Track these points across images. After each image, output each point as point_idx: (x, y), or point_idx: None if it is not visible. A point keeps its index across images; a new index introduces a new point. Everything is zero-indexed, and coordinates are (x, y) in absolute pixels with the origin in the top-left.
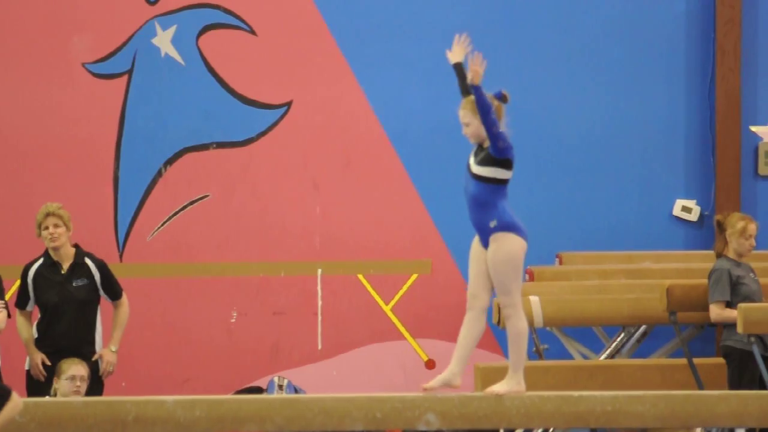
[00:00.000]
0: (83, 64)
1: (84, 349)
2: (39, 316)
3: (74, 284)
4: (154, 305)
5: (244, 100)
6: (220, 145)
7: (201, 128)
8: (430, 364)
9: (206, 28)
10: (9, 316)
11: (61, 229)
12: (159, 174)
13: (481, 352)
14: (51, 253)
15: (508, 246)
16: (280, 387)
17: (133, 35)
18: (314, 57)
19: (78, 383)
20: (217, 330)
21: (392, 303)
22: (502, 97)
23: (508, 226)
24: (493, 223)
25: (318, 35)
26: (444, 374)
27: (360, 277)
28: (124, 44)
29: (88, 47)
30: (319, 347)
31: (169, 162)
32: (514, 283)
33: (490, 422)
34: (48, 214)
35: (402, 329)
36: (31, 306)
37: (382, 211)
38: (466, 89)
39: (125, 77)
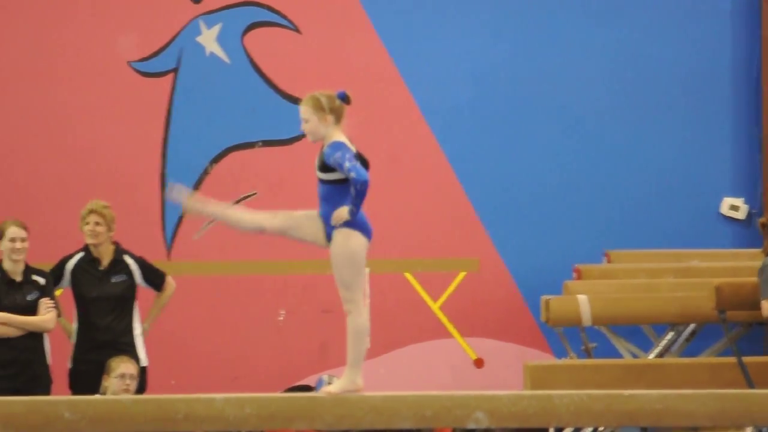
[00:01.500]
0: (129, 63)
1: (123, 343)
2: (76, 310)
3: (113, 280)
4: (202, 303)
5: (289, 97)
6: (266, 143)
7: (247, 126)
8: (479, 363)
9: (251, 26)
10: (59, 315)
11: (102, 228)
12: (206, 172)
13: (530, 350)
14: (91, 248)
15: (349, 242)
16: (329, 385)
17: (178, 34)
18: (358, 54)
19: (128, 381)
20: (266, 328)
21: (440, 301)
22: (345, 98)
23: (350, 224)
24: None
25: (362, 32)
26: (341, 380)
27: (408, 275)
28: (170, 43)
29: (134, 46)
30: (368, 345)
31: (216, 160)
32: (354, 279)
33: (539, 421)
34: (91, 211)
35: (450, 327)
36: (59, 290)
37: (428, 209)
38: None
39: (171, 75)
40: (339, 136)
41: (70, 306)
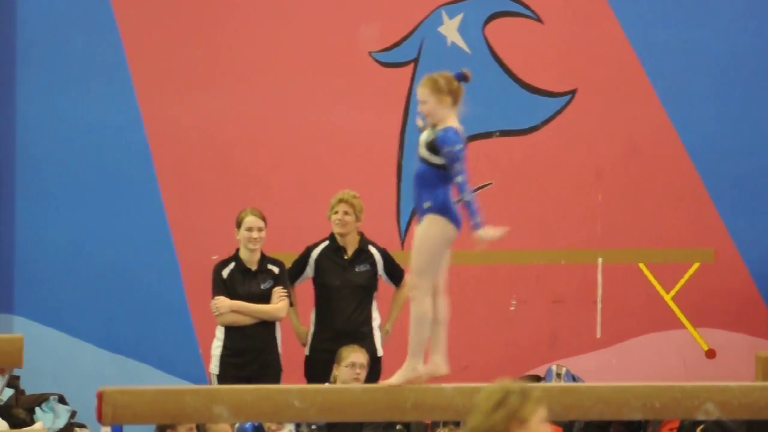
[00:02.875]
0: (370, 53)
1: (361, 332)
2: (316, 299)
3: (356, 269)
4: None
5: (528, 88)
6: (504, 133)
7: (485, 116)
8: (711, 354)
9: (492, 16)
10: (291, 304)
11: (350, 218)
12: None
13: (763, 341)
14: (337, 237)
15: (434, 227)
16: (558, 375)
17: (419, 24)
18: (600, 44)
19: (358, 370)
20: (497, 318)
21: (673, 292)
22: (463, 78)
23: (440, 209)
24: (427, 204)
25: (604, 22)
26: (428, 365)
27: (641, 265)
28: (411, 33)
29: (375, 36)
30: (598, 336)
31: None
32: (428, 266)
33: None
34: (341, 200)
35: (683, 318)
36: (299, 282)
37: (664, 199)
38: None
39: (411, 66)
40: (454, 119)
41: (305, 308)
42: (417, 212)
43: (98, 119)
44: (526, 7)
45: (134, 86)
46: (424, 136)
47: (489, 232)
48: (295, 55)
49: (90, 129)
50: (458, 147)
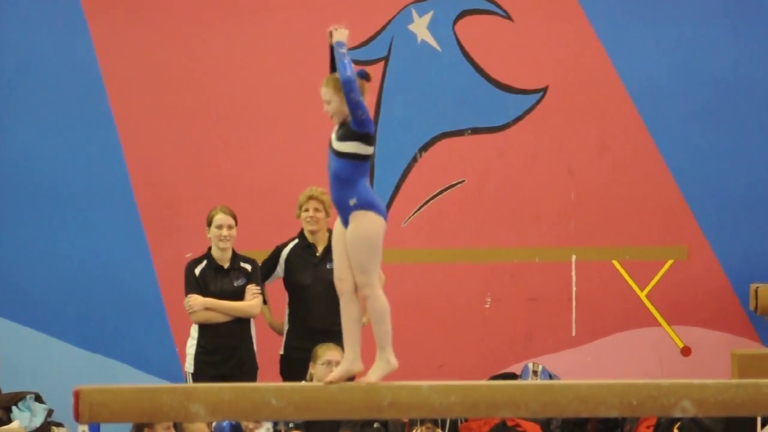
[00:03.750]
0: None
1: (336, 330)
2: (288, 297)
3: (328, 266)
4: (408, 291)
5: (499, 85)
6: (475, 130)
7: (456, 114)
8: (686, 351)
9: (462, 14)
10: (265, 302)
11: (321, 214)
12: (414, 160)
13: (738, 339)
14: (307, 235)
15: (367, 224)
16: (535, 373)
17: (389, 21)
18: (570, 41)
19: (333, 368)
20: (472, 316)
21: (647, 289)
22: (365, 75)
23: (367, 205)
24: (352, 201)
25: (573, 19)
26: (342, 364)
27: (615, 262)
28: (381, 31)
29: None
30: (573, 333)
31: (425, 148)
32: (372, 263)
33: (747, 410)
34: (310, 198)
35: (657, 315)
36: (270, 281)
37: (637, 196)
38: (334, 67)
39: (381, 63)
40: None
41: (277, 301)
42: (340, 211)
43: (71, 119)
44: (496, 5)
45: (105, 85)
46: (334, 134)
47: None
48: (265, 52)
49: (62, 129)
50: (367, 112)
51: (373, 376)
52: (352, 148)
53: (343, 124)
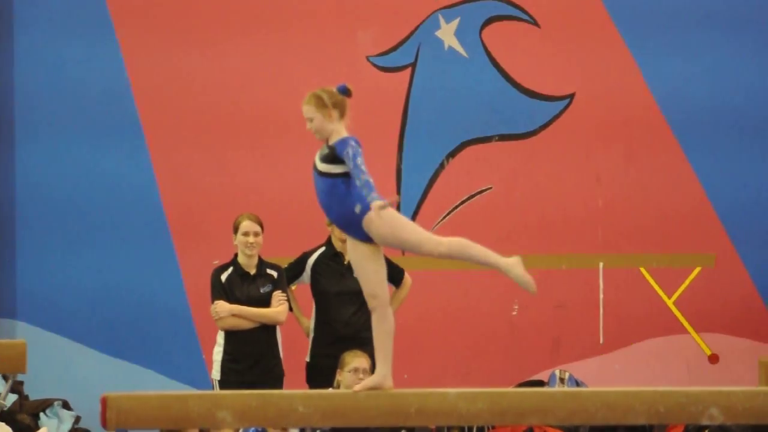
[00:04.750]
0: (368, 58)
1: (362, 337)
2: (314, 305)
3: (355, 275)
4: (435, 298)
5: (526, 92)
6: (503, 137)
7: (483, 120)
8: (714, 359)
9: (489, 20)
10: (291, 309)
11: None
12: (441, 166)
13: (765, 346)
14: (335, 243)
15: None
16: (562, 380)
17: (417, 28)
18: (597, 48)
19: (361, 375)
20: (499, 323)
21: (675, 296)
22: (345, 91)
23: (367, 190)
24: (357, 209)
25: (601, 26)
26: (374, 378)
27: (642, 270)
28: (408, 37)
29: (372, 40)
30: (601, 341)
31: (452, 154)
32: (417, 233)
33: None
34: None
35: (685, 323)
36: (295, 284)
37: (665, 203)
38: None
39: (409, 70)
40: (344, 131)
41: (307, 303)
42: (347, 228)
43: (99, 129)
44: (523, 11)
45: (134, 95)
46: (319, 154)
47: (381, 205)
48: (293, 60)
49: (91, 138)
50: (354, 146)
51: (362, 385)
52: (339, 169)
53: (328, 148)
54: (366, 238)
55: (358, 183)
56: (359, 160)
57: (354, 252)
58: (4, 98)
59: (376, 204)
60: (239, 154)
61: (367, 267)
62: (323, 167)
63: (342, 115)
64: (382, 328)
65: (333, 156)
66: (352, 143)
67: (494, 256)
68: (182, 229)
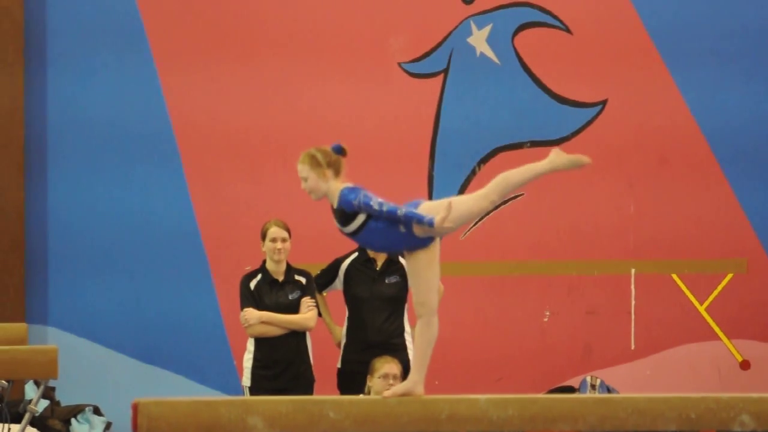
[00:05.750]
0: (400, 64)
1: (393, 344)
2: (347, 311)
3: (387, 281)
4: (467, 304)
5: (558, 98)
6: (534, 143)
7: (515, 127)
8: (745, 365)
9: (521, 27)
10: (320, 315)
11: None
12: (473, 173)
13: None
14: (367, 249)
15: (436, 247)
16: (593, 386)
17: (448, 35)
18: (630, 55)
19: (391, 381)
20: (530, 329)
21: (707, 303)
22: (340, 151)
23: (413, 218)
24: (402, 229)
25: (634, 33)
26: (406, 384)
27: (674, 276)
28: (440, 44)
29: (404, 47)
30: (632, 347)
31: (483, 161)
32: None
33: None
34: None
35: (717, 329)
36: (327, 290)
37: (696, 209)
38: None
39: (440, 77)
40: (340, 187)
41: (338, 310)
42: (397, 249)
43: (127, 122)
44: (555, 17)
45: (163, 92)
46: (336, 221)
47: (443, 218)
48: (326, 66)
49: (120, 133)
50: (361, 194)
51: (392, 392)
52: (359, 222)
53: (336, 212)
54: (420, 244)
55: (401, 222)
56: (373, 202)
57: (411, 262)
58: (38, 126)
59: (439, 221)
60: (270, 159)
61: (421, 275)
62: (349, 228)
63: (337, 173)
64: (426, 337)
65: (347, 215)
66: (350, 191)
67: (535, 168)
68: (213, 235)
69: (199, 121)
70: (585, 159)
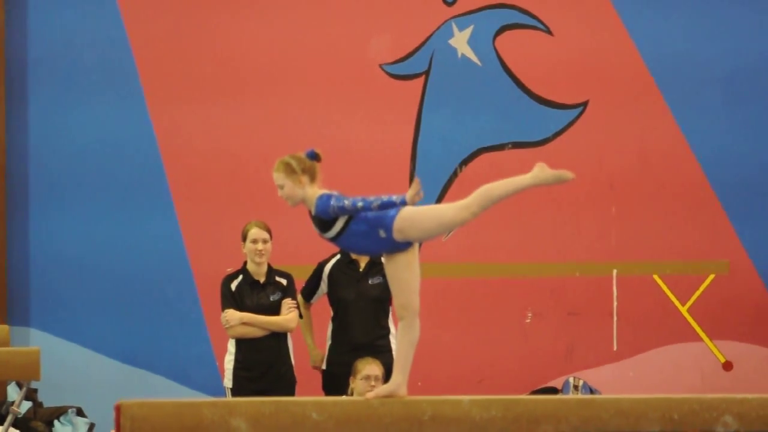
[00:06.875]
0: (381, 66)
1: (378, 345)
2: (332, 313)
3: (370, 282)
4: (448, 305)
5: (539, 100)
6: (516, 145)
7: (497, 128)
8: (728, 366)
9: (503, 29)
10: (301, 316)
11: None
12: (455, 174)
13: None
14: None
15: (412, 220)
16: (576, 387)
17: (430, 36)
18: (610, 56)
19: (373, 382)
20: (512, 330)
21: (689, 304)
22: (314, 156)
23: (390, 220)
24: (382, 233)
25: (614, 33)
26: (388, 386)
27: (656, 277)
28: (422, 45)
29: (386, 48)
30: (615, 348)
31: (465, 162)
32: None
33: None
34: None
35: (699, 330)
36: (315, 299)
37: (678, 210)
38: None
39: (422, 78)
40: (317, 192)
41: (319, 326)
42: (379, 252)
43: (110, 132)
44: (537, 19)
45: (146, 99)
46: (315, 228)
47: (413, 194)
48: (306, 67)
49: (103, 143)
50: (334, 201)
51: (375, 393)
52: (339, 227)
53: (314, 219)
54: (400, 248)
55: (372, 214)
56: (347, 202)
57: (390, 265)
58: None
59: (410, 197)
60: (253, 158)
61: (401, 277)
62: (329, 234)
63: (312, 179)
64: (408, 338)
65: (325, 221)
66: (326, 198)
67: (517, 182)
68: (195, 236)
69: (180, 117)
70: (569, 174)
